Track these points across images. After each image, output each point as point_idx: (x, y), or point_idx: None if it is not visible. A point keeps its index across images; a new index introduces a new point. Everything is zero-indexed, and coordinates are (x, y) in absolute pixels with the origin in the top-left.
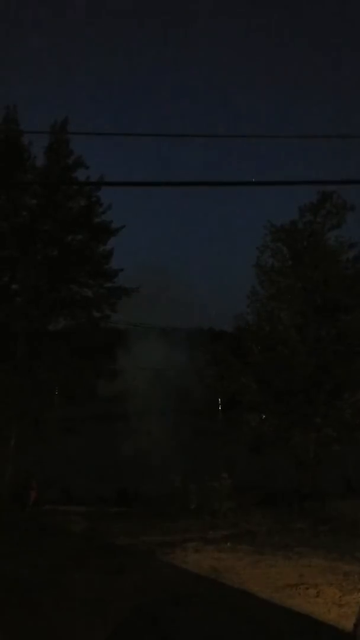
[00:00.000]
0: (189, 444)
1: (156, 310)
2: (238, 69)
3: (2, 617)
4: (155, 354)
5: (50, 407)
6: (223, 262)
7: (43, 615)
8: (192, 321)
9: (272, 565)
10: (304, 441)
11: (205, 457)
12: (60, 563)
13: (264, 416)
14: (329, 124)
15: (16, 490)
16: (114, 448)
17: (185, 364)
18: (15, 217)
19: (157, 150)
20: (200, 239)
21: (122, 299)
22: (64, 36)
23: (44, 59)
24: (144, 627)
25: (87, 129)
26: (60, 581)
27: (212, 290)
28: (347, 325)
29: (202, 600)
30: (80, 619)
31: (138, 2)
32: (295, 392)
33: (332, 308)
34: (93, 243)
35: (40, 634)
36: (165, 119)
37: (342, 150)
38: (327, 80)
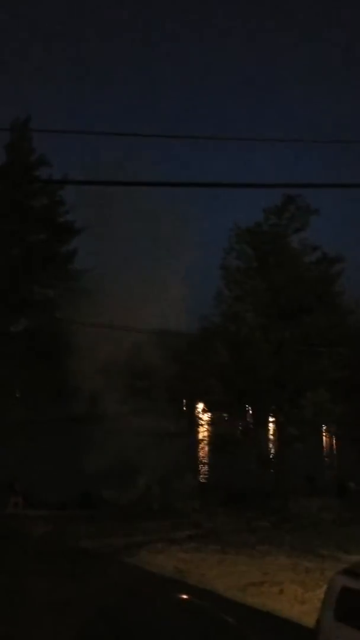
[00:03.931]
0: (153, 445)
1: (121, 310)
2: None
3: None
4: (118, 354)
5: (11, 410)
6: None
7: (1, 621)
8: (157, 322)
9: (236, 564)
10: (268, 440)
11: (170, 458)
12: (20, 568)
13: (227, 416)
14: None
15: None
16: (78, 451)
17: (149, 365)
18: None
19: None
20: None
21: (85, 299)
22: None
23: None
24: (106, 630)
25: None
26: (20, 586)
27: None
28: (310, 326)
29: (166, 602)
30: (41, 624)
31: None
32: (259, 392)
33: (295, 309)
34: (56, 243)
35: None
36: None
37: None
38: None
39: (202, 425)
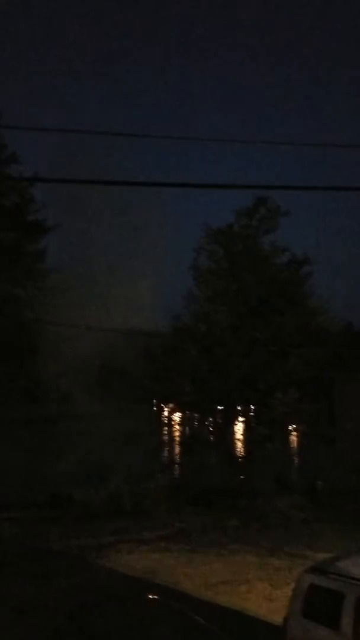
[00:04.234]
0: (124, 445)
1: (92, 309)
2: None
3: None
4: (89, 354)
5: None
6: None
7: None
8: (128, 322)
9: (205, 563)
10: (238, 439)
11: (140, 458)
12: None
13: (197, 416)
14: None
15: None
16: (48, 451)
17: (120, 365)
18: None
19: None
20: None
21: (55, 298)
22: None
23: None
24: (77, 632)
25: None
26: None
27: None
28: (280, 326)
29: (136, 602)
30: (9, 628)
31: None
32: (229, 392)
33: (266, 310)
34: (26, 241)
35: None
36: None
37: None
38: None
39: (172, 424)
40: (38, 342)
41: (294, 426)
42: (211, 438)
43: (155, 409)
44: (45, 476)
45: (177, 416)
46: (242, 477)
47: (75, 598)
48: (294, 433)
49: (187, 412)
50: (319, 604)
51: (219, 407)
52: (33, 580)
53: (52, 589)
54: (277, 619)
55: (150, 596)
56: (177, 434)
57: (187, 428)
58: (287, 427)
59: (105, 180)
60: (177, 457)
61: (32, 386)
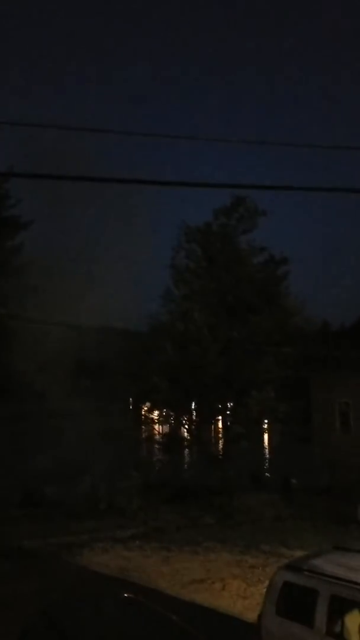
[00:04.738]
0: (100, 444)
1: (67, 306)
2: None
3: None
4: (65, 352)
5: None
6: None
7: None
8: (104, 319)
9: (179, 561)
10: (214, 438)
11: (116, 456)
12: None
13: (174, 414)
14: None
15: None
16: (21, 449)
17: (97, 363)
18: None
19: None
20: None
21: (30, 295)
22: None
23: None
24: (48, 631)
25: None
26: None
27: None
28: (257, 325)
29: (109, 601)
30: None
31: None
32: (206, 391)
33: (243, 309)
34: (0, 237)
35: None
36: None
37: None
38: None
39: (149, 423)
40: (12, 338)
41: (270, 424)
42: (187, 436)
43: (132, 407)
44: (19, 474)
45: (154, 414)
46: (217, 475)
47: (48, 597)
48: (270, 431)
49: (164, 410)
50: (293, 601)
51: (195, 406)
52: (5, 579)
53: (25, 587)
54: (252, 616)
55: (125, 595)
56: (153, 432)
57: (164, 426)
58: (263, 425)
59: (78, 176)
60: (153, 455)
61: (5, 384)
